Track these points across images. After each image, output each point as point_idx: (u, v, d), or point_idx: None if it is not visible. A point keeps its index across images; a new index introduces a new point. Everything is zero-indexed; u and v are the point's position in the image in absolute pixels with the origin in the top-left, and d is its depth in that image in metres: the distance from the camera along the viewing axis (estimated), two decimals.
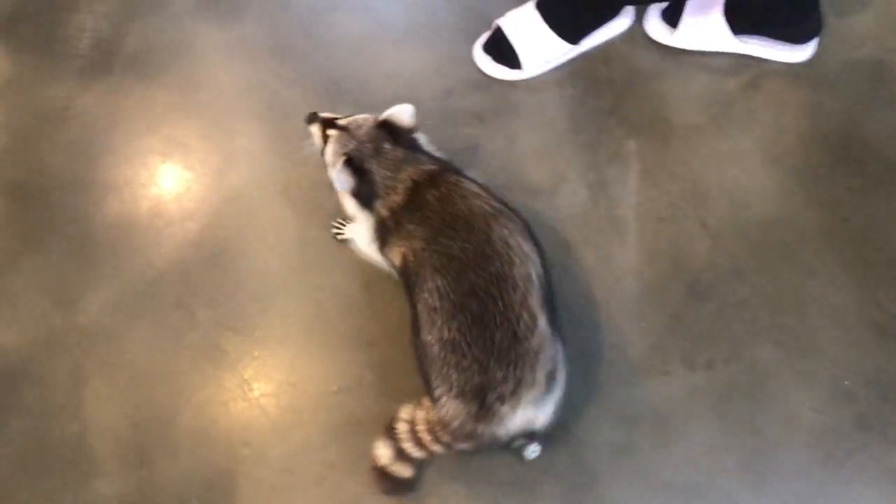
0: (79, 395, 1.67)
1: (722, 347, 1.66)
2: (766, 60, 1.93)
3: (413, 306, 1.50)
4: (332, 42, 2.00)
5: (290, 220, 1.80)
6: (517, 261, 1.44)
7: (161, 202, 1.85)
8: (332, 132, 1.58)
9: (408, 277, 1.51)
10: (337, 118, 1.61)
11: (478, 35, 1.98)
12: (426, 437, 1.48)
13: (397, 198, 1.52)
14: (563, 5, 1.91)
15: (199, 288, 1.75)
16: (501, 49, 1.94)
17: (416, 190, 1.51)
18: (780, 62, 1.93)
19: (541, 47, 1.92)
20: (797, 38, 1.92)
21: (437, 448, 1.49)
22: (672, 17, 1.94)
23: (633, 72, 1.94)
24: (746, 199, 1.79)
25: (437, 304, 1.44)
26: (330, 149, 1.58)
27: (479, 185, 1.55)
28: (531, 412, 1.44)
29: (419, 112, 1.55)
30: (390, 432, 1.51)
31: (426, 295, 1.46)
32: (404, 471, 1.53)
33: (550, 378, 1.44)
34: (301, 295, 1.74)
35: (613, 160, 1.84)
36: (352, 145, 1.55)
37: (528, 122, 1.89)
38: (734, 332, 1.67)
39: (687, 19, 1.91)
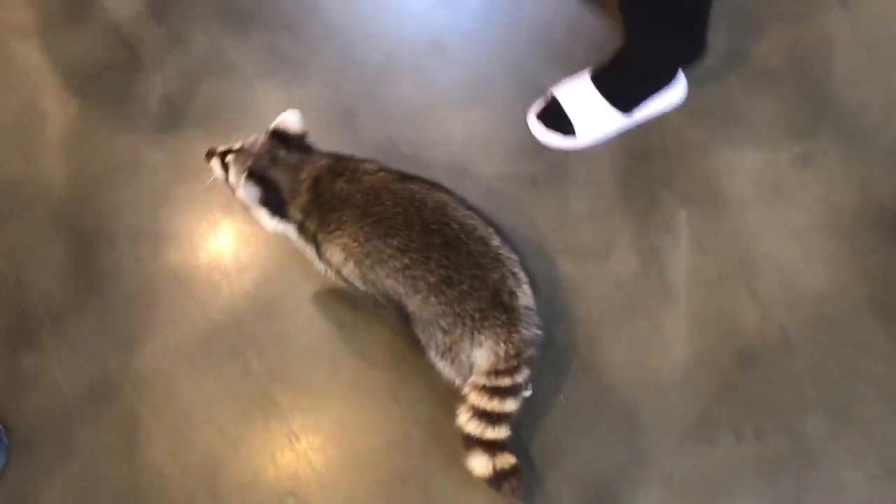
0: (131, 438, 1.71)
1: (771, 418, 1.65)
2: (818, 134, 1.96)
3: (390, 300, 1.56)
4: (391, 106, 2.07)
5: None
6: (442, 192, 1.58)
7: (219, 254, 1.91)
8: (230, 157, 1.65)
9: (361, 270, 1.56)
10: (232, 147, 1.66)
11: (532, 102, 2.03)
12: (495, 404, 1.51)
13: (303, 198, 1.59)
14: (617, 77, 1.96)
15: (252, 338, 1.79)
16: (556, 118, 1.98)
17: (318, 185, 1.58)
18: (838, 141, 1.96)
19: (595, 118, 1.96)
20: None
21: (509, 405, 1.52)
22: None
23: (684, 143, 1.97)
24: (797, 271, 1.80)
25: (406, 260, 1.51)
26: (232, 171, 1.64)
27: (374, 161, 1.63)
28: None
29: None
30: (470, 441, 1.53)
31: (392, 262, 1.52)
32: (508, 459, 1.54)
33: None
34: (351, 349, 1.77)
35: (664, 228, 1.86)
36: (250, 161, 1.61)
37: (580, 188, 1.93)
38: (783, 404, 1.66)
39: None
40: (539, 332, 1.53)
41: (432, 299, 1.50)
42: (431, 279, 1.49)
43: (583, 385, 1.70)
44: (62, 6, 2.27)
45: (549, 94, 2.01)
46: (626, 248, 1.84)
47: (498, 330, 1.49)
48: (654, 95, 1.98)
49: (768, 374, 1.69)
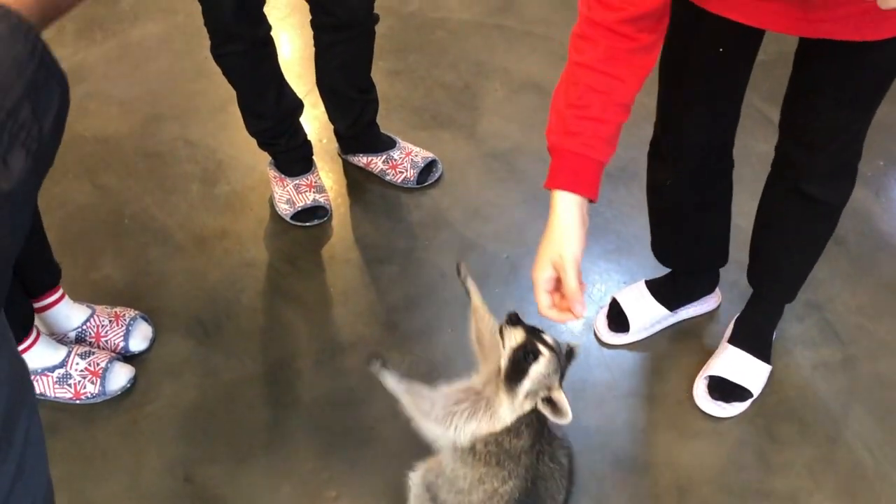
0: None
1: None
2: None
3: None
4: None
5: None
6: None
7: None
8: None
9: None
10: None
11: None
12: None
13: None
14: (667, 280, 2.29)
15: None
16: (615, 316, 2.30)
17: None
18: None
19: (646, 313, 2.28)
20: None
21: None
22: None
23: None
24: None
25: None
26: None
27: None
28: None
29: None
30: None
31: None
32: None
33: None
34: None
35: None
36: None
37: None
38: None
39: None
40: None
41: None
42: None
43: None
44: (327, 294, 2.53)
45: (610, 298, 2.32)
46: None
47: None
48: (693, 300, 2.30)
49: None
